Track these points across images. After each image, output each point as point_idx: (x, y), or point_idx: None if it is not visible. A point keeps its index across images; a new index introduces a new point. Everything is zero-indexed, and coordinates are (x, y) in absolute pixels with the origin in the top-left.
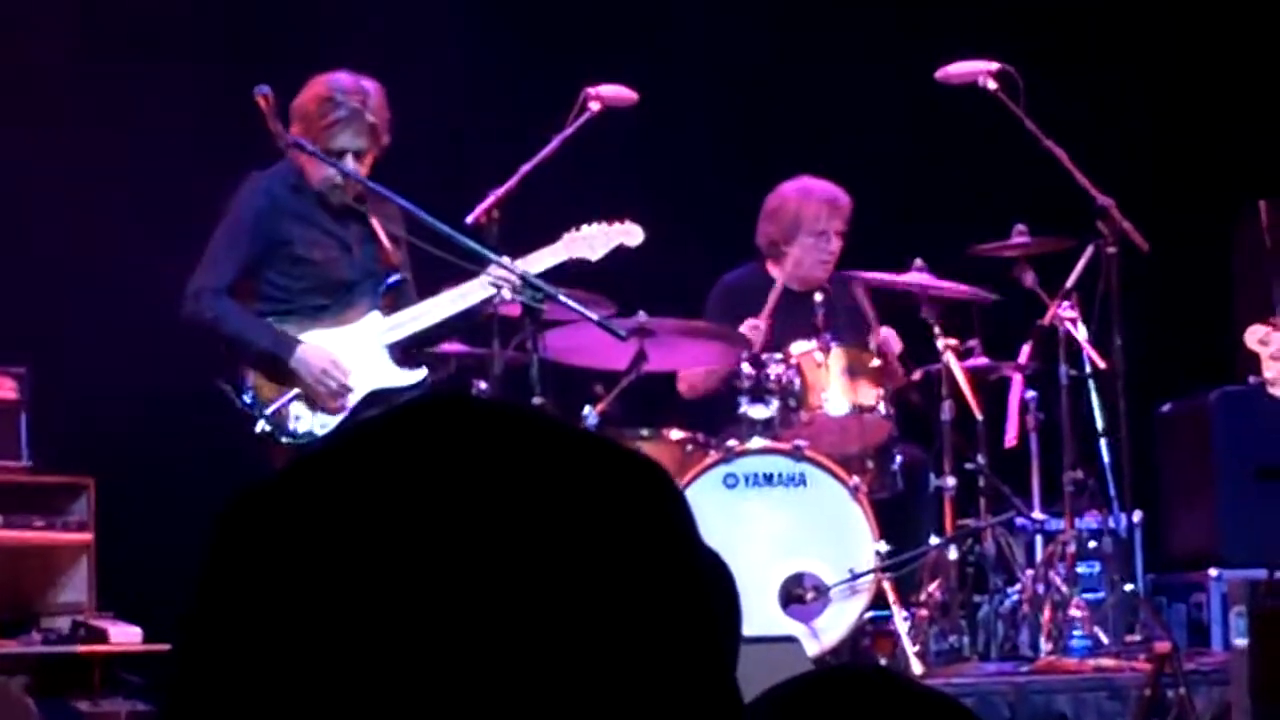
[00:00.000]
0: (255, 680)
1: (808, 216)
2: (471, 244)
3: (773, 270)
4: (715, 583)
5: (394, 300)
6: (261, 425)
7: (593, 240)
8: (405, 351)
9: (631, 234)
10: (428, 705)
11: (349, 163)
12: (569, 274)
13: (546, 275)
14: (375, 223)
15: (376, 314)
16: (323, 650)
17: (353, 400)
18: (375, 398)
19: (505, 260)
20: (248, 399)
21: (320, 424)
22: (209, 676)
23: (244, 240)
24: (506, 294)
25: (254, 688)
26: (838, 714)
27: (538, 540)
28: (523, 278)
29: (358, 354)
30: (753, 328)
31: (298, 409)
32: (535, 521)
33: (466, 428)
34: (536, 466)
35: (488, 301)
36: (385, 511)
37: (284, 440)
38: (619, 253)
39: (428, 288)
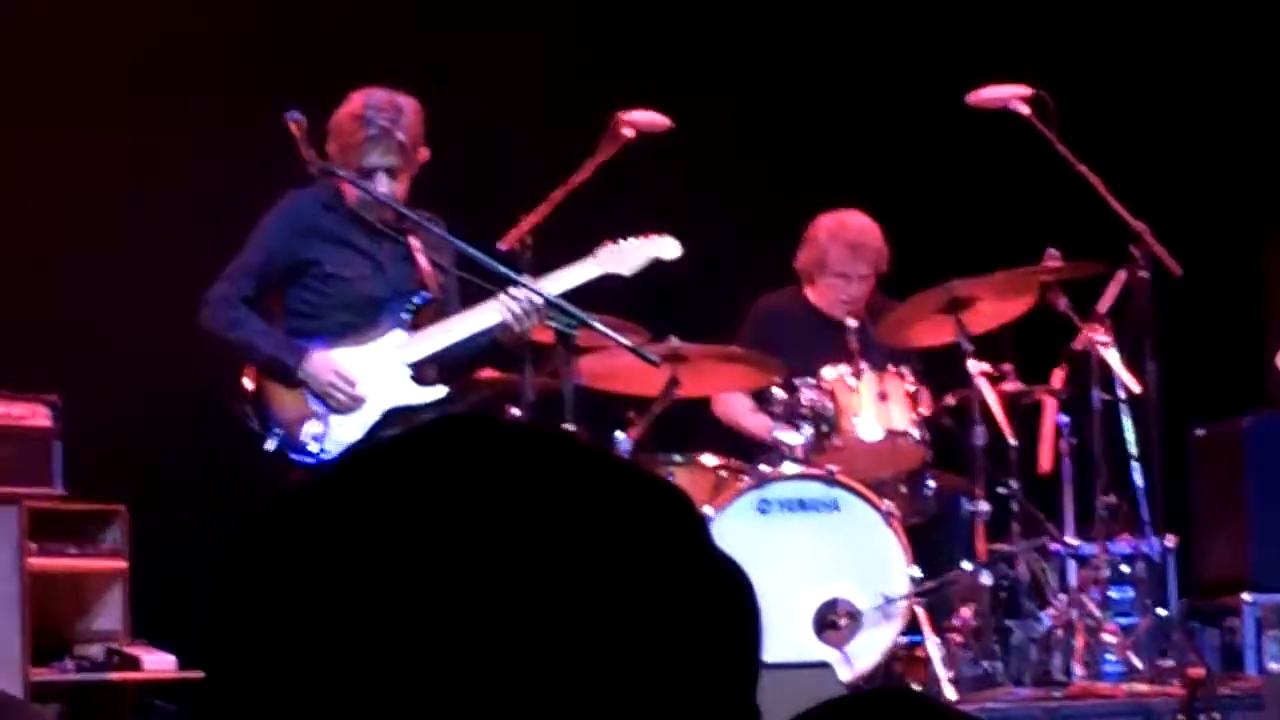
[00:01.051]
0: (270, 700)
1: (831, 258)
2: (501, 268)
3: (809, 294)
4: (736, 599)
5: (423, 320)
6: (272, 443)
7: (626, 254)
8: (426, 370)
9: (667, 247)
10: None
11: (381, 181)
12: (601, 300)
13: (578, 297)
14: (414, 243)
15: (399, 331)
16: (336, 671)
17: (371, 418)
18: (393, 415)
19: (533, 283)
20: (261, 417)
21: (340, 436)
22: (227, 698)
23: (266, 256)
24: (526, 321)
25: (269, 707)
26: None
27: (555, 559)
28: (554, 303)
29: (377, 371)
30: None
31: (313, 428)
32: (553, 540)
33: (483, 447)
34: (555, 486)
35: (507, 327)
36: (402, 530)
37: (294, 459)
38: (653, 275)
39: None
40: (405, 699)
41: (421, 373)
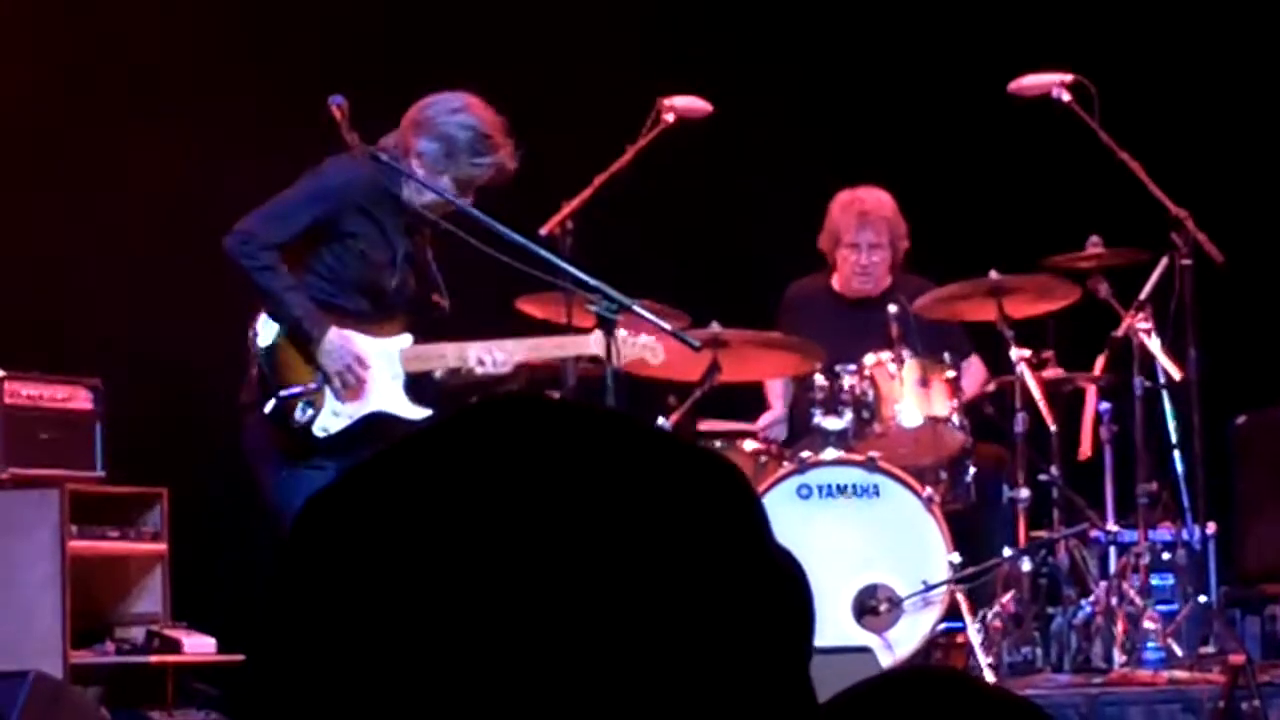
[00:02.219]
0: (328, 681)
1: (840, 228)
2: (545, 254)
3: (835, 279)
4: (789, 582)
5: (429, 331)
6: (271, 405)
7: (622, 347)
8: (420, 384)
9: (654, 354)
10: (500, 702)
11: (447, 185)
12: (643, 285)
13: (618, 281)
14: (429, 253)
15: (409, 338)
16: (395, 651)
17: (359, 411)
18: (376, 419)
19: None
20: (269, 375)
21: (327, 421)
22: (283, 677)
23: (312, 215)
24: (486, 368)
25: (327, 688)
26: (912, 715)
27: (609, 537)
28: (596, 288)
29: (380, 368)
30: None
31: (308, 401)
32: (607, 518)
33: (540, 425)
34: (610, 463)
35: (457, 370)
36: (460, 513)
37: (287, 426)
38: (696, 261)
39: (504, 303)
40: (457, 682)
41: (416, 386)
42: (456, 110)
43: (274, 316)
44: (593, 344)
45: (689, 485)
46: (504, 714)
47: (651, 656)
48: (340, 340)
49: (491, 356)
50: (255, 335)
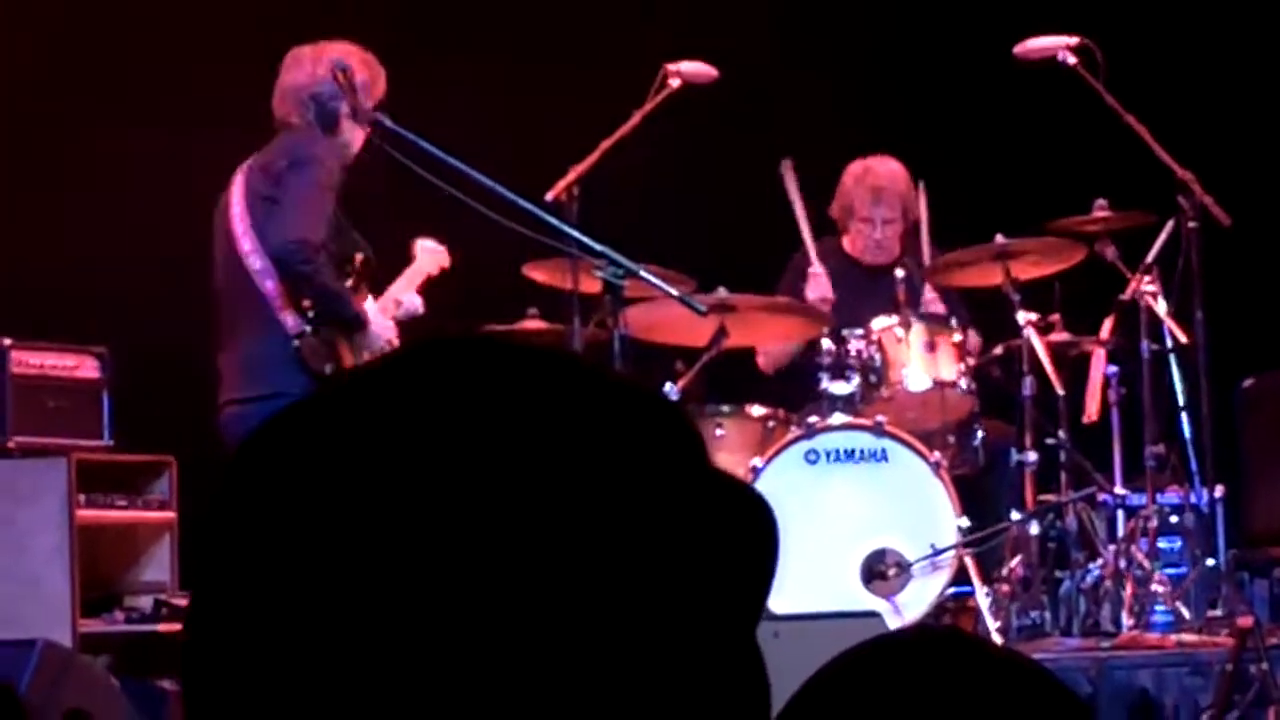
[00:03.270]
0: (258, 622)
1: (856, 203)
2: (552, 219)
3: (845, 243)
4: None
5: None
6: None
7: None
8: None
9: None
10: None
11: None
12: (648, 251)
13: (625, 247)
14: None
15: (370, 298)
16: (326, 592)
17: None
18: None
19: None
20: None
21: None
22: (220, 611)
23: (331, 198)
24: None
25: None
26: (915, 674)
27: (550, 476)
28: (602, 253)
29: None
30: (815, 275)
31: None
32: (548, 458)
33: (479, 365)
34: (548, 401)
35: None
36: (396, 450)
37: None
38: (698, 229)
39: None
40: (396, 626)
41: None
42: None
43: (327, 311)
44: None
45: (627, 422)
46: (442, 656)
47: (590, 594)
48: (379, 320)
49: (409, 300)
50: (288, 329)
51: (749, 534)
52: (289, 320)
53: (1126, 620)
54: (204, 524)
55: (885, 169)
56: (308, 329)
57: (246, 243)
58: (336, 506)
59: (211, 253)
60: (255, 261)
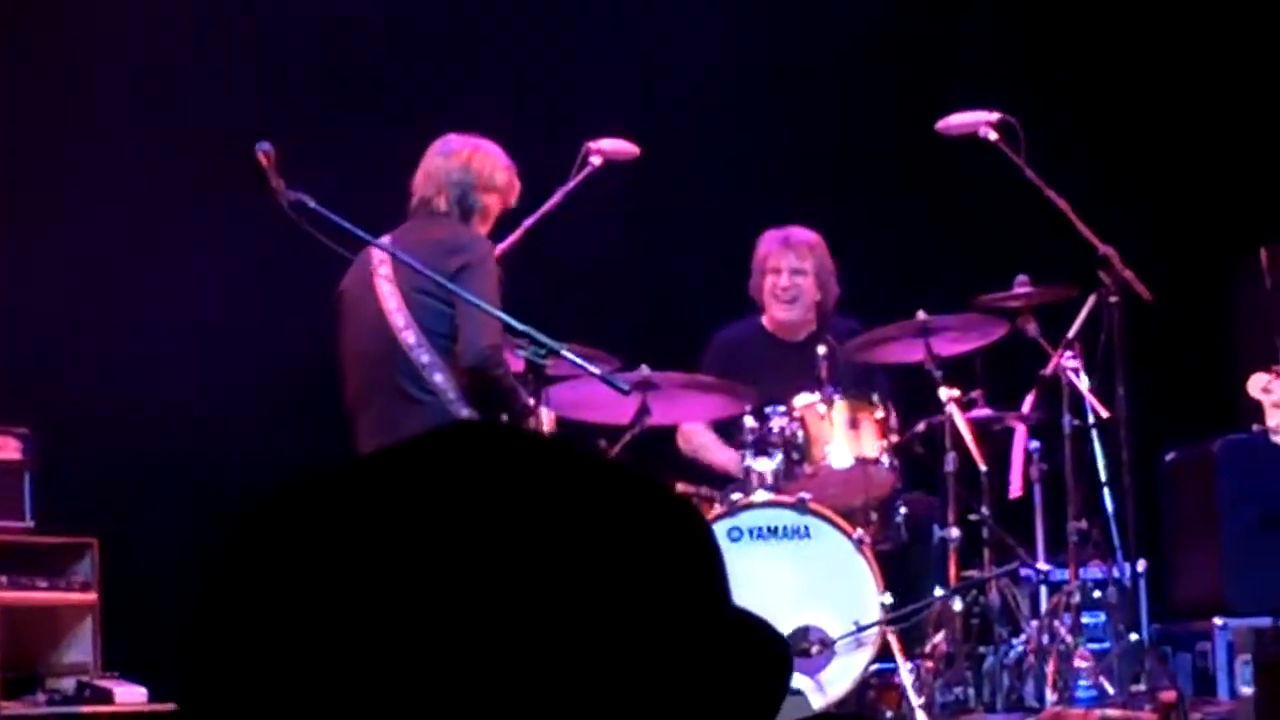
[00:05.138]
0: (260, 682)
1: (761, 254)
2: (472, 298)
3: (764, 321)
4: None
5: None
6: None
7: None
8: None
9: None
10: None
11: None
12: (571, 329)
13: (548, 326)
14: None
15: None
16: (328, 661)
17: None
18: None
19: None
20: None
21: None
22: (216, 675)
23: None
24: None
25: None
26: None
27: (563, 573)
28: (524, 332)
29: None
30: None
31: None
32: (554, 548)
33: (496, 454)
34: (561, 493)
35: None
36: (403, 537)
37: None
38: (620, 307)
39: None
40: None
41: None
42: (491, 155)
43: (504, 405)
44: None
45: (641, 521)
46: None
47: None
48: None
49: None
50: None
51: (758, 671)
52: (463, 411)
53: (1050, 695)
54: (210, 586)
55: (797, 229)
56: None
57: (411, 335)
58: (334, 589)
59: (342, 324)
60: (423, 355)
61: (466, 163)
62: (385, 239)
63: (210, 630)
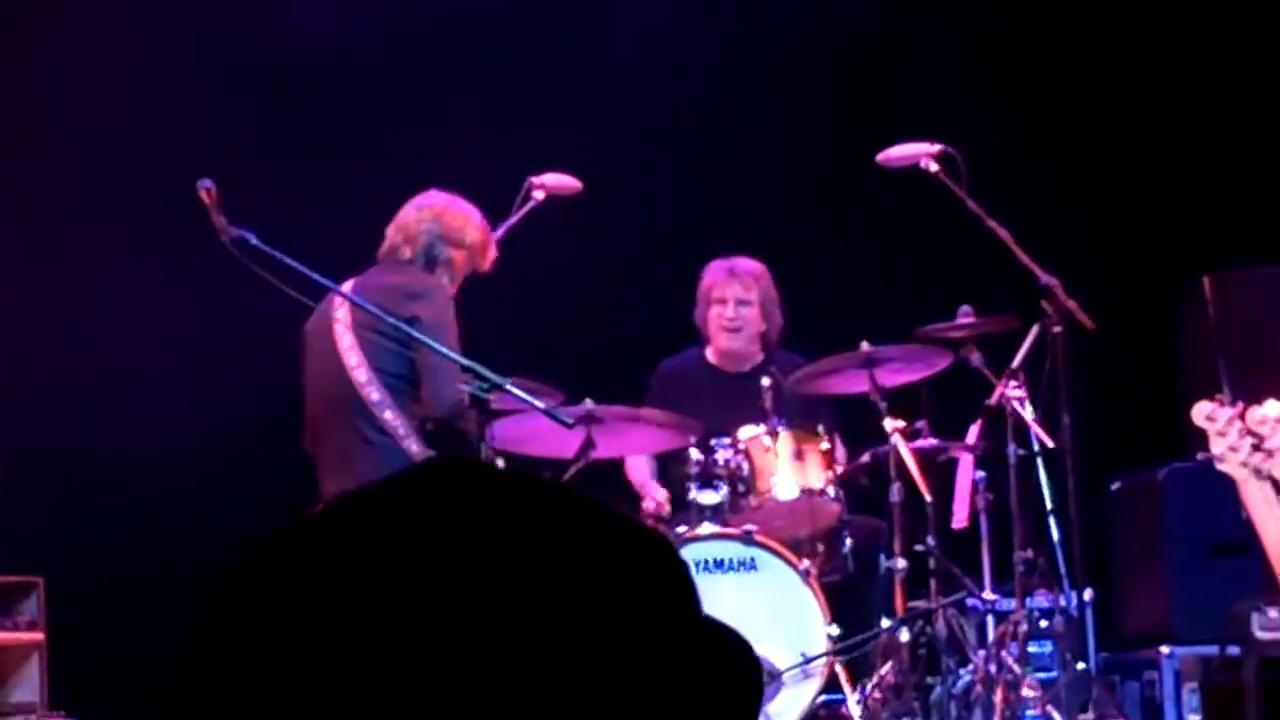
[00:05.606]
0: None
1: (706, 285)
2: (415, 332)
3: (708, 352)
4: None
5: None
6: None
7: None
8: None
9: None
10: None
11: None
12: (515, 363)
13: (492, 361)
14: None
15: None
16: (327, 703)
17: None
18: None
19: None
20: None
21: None
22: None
23: None
24: None
25: None
26: None
27: (541, 608)
28: (468, 367)
29: None
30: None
31: None
32: (534, 586)
33: (473, 492)
34: (541, 531)
35: None
36: (389, 577)
37: None
38: (563, 341)
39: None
40: None
41: None
42: (467, 215)
43: (461, 450)
44: None
45: (618, 557)
46: None
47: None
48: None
49: None
50: (412, 456)
51: (734, 682)
52: (414, 448)
53: None
54: (200, 628)
55: (742, 259)
56: (431, 454)
57: (362, 374)
58: (321, 629)
59: (304, 364)
60: (373, 393)
61: (438, 215)
62: (348, 282)
63: (204, 675)
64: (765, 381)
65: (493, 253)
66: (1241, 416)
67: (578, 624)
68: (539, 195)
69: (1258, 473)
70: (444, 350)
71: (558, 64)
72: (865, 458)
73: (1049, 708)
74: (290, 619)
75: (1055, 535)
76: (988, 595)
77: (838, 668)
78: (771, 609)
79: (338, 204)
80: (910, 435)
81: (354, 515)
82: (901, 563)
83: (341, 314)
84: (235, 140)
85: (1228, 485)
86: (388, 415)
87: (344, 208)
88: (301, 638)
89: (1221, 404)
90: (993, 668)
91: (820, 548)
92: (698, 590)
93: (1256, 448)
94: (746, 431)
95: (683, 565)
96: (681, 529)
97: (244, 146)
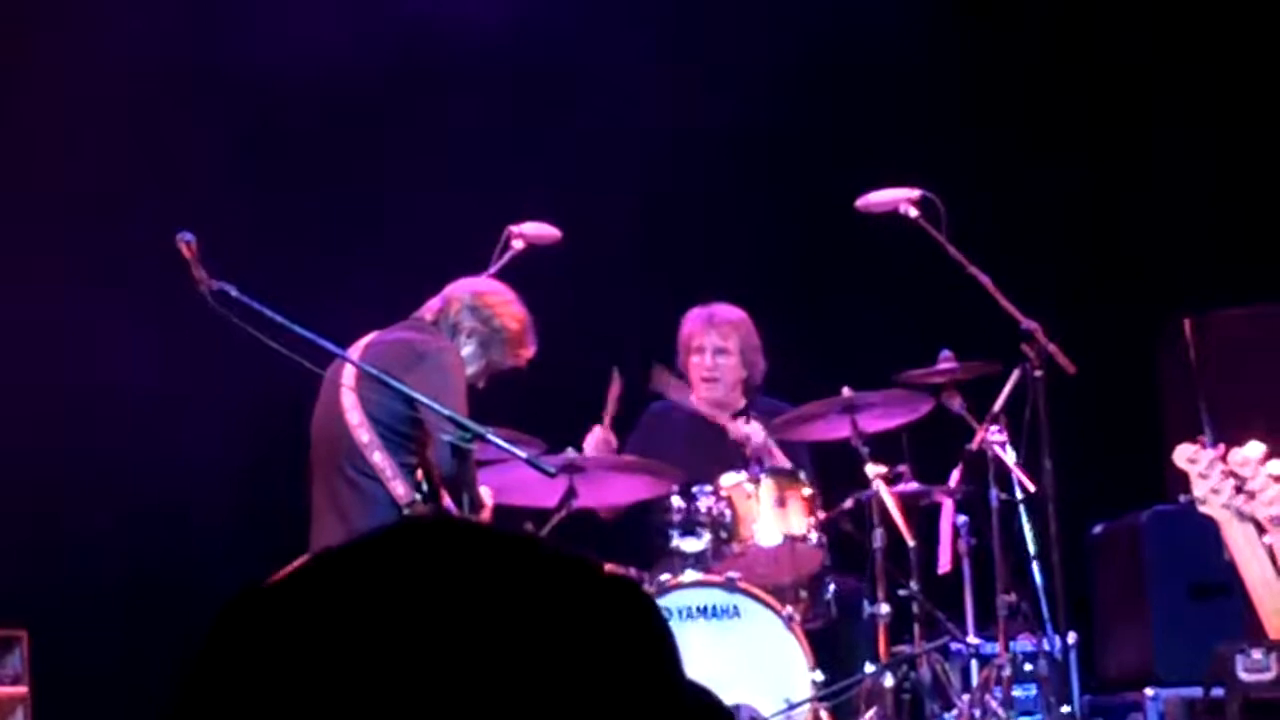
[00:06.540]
0: None
1: (686, 334)
2: (397, 383)
3: (692, 398)
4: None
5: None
6: None
7: None
8: None
9: None
10: None
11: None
12: (497, 413)
13: (473, 411)
14: None
15: None
16: None
17: None
18: None
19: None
20: None
21: None
22: None
23: None
24: None
25: None
26: None
27: (518, 664)
28: (450, 417)
29: None
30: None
31: None
32: (516, 645)
33: (452, 550)
34: (523, 586)
35: None
36: (368, 634)
37: None
38: (545, 390)
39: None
40: None
41: None
42: (509, 303)
43: (456, 496)
44: None
45: (593, 621)
46: None
47: None
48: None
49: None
50: (397, 497)
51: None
52: (400, 489)
53: None
54: (181, 687)
55: (721, 306)
56: (418, 497)
57: (355, 416)
58: (297, 690)
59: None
60: (363, 435)
61: (479, 293)
62: (367, 336)
63: None
64: (737, 425)
65: (530, 349)
66: (1223, 458)
67: (550, 687)
68: (518, 244)
69: (1240, 514)
70: (434, 405)
71: (539, 108)
72: (848, 503)
73: None
74: (266, 678)
75: (1038, 579)
76: (971, 639)
77: (822, 714)
78: (755, 656)
79: (311, 242)
80: (892, 480)
81: (329, 577)
82: (885, 608)
83: (347, 376)
84: (215, 196)
85: (1208, 527)
86: (376, 457)
87: (327, 259)
88: (277, 698)
89: (1203, 446)
90: (977, 712)
91: (803, 594)
92: (677, 648)
93: (1238, 489)
94: (728, 478)
95: (661, 623)
96: (664, 577)
97: (224, 201)
